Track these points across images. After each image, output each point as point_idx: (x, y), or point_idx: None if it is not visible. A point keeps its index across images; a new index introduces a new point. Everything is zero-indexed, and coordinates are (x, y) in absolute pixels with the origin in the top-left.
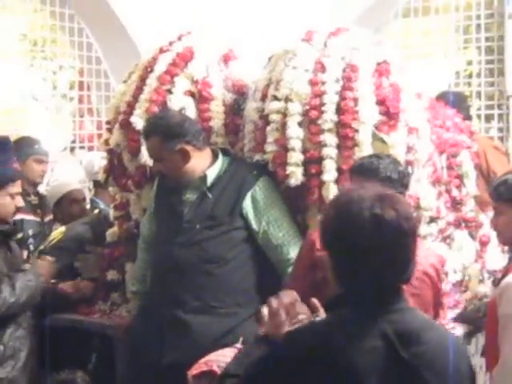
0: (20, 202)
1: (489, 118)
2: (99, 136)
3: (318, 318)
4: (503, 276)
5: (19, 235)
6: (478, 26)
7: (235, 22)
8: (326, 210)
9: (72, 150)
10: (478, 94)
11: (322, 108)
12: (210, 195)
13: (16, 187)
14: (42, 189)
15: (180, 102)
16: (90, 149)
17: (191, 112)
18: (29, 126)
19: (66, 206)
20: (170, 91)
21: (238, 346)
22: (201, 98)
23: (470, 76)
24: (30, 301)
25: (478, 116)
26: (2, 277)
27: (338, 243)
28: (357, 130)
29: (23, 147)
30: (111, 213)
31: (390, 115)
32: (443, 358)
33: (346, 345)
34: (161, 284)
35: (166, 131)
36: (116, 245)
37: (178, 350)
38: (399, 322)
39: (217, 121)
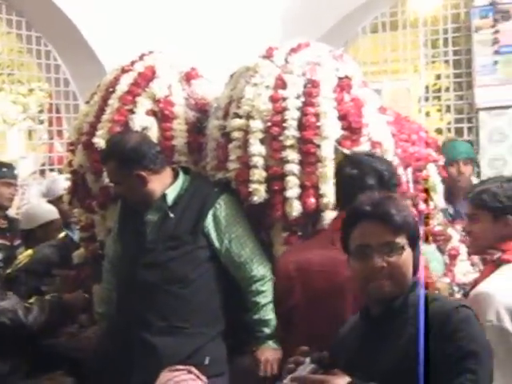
0: None
1: (459, 132)
2: None
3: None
4: (472, 287)
5: None
6: (446, 40)
7: (198, 41)
8: None
9: (42, 172)
10: (448, 108)
11: (284, 124)
12: (171, 215)
13: None
14: (11, 212)
15: (142, 121)
16: (61, 171)
17: (154, 131)
18: (7, 150)
19: (48, 233)
20: (132, 111)
21: (189, 367)
22: (163, 116)
23: (440, 90)
24: None
25: (449, 130)
26: None
27: None
28: (319, 146)
29: None
30: (77, 234)
31: (352, 130)
32: None
33: None
34: (126, 305)
35: (122, 157)
36: (83, 266)
37: (145, 370)
38: None
39: (179, 139)
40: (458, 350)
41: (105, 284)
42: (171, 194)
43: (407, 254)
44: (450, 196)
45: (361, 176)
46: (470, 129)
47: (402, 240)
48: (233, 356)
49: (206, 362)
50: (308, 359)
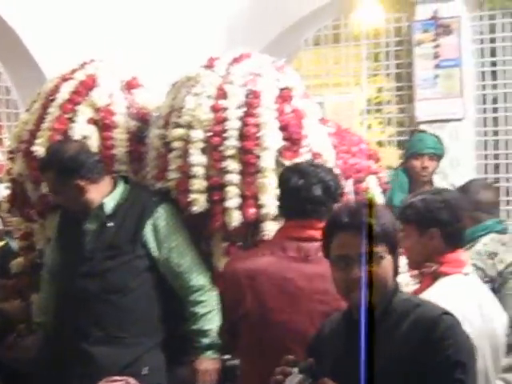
0: None
1: (401, 145)
2: None
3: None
4: None
5: None
6: (388, 53)
7: (141, 50)
8: None
9: None
10: (389, 121)
11: (224, 134)
12: (109, 224)
13: None
14: None
15: (83, 130)
16: (0, 179)
17: (94, 140)
18: None
19: None
20: (72, 120)
21: (126, 378)
22: (103, 125)
23: (381, 103)
24: None
25: (390, 143)
26: None
27: None
28: (259, 156)
29: None
30: (16, 243)
31: (292, 141)
32: None
33: None
34: (65, 315)
35: (60, 166)
36: (21, 275)
37: (83, 380)
38: None
39: (120, 149)
40: (445, 359)
41: (43, 293)
42: (109, 203)
43: (387, 261)
44: (410, 189)
45: (307, 186)
46: None
47: (381, 248)
48: (172, 366)
49: (145, 371)
50: (296, 369)
